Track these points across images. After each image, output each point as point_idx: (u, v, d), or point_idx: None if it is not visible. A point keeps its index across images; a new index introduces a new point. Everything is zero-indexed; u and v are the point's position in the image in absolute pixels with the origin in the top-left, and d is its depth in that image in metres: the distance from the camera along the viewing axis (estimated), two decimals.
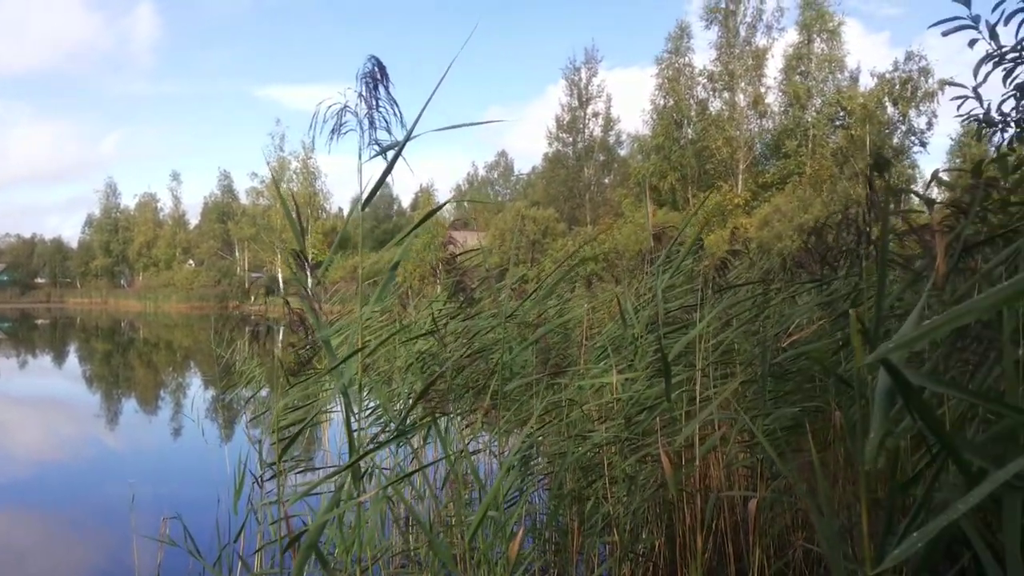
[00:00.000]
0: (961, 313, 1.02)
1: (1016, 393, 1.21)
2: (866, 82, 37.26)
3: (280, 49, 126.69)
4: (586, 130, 48.51)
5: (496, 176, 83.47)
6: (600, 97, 48.10)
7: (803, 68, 37.83)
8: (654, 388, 3.67)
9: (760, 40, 39.05)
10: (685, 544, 3.78)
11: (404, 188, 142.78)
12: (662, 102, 41.21)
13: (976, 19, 2.74)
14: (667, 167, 40.11)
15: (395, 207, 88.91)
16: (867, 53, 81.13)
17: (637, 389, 3.61)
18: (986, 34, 2.73)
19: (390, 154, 2.12)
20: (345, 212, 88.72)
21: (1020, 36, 2.67)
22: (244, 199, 72.46)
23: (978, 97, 2.94)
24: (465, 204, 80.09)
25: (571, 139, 48.92)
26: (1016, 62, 2.71)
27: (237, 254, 71.43)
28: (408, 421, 4.10)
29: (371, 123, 2.14)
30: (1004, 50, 2.72)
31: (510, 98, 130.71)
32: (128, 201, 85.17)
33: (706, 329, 3.70)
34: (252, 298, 62.89)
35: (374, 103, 2.13)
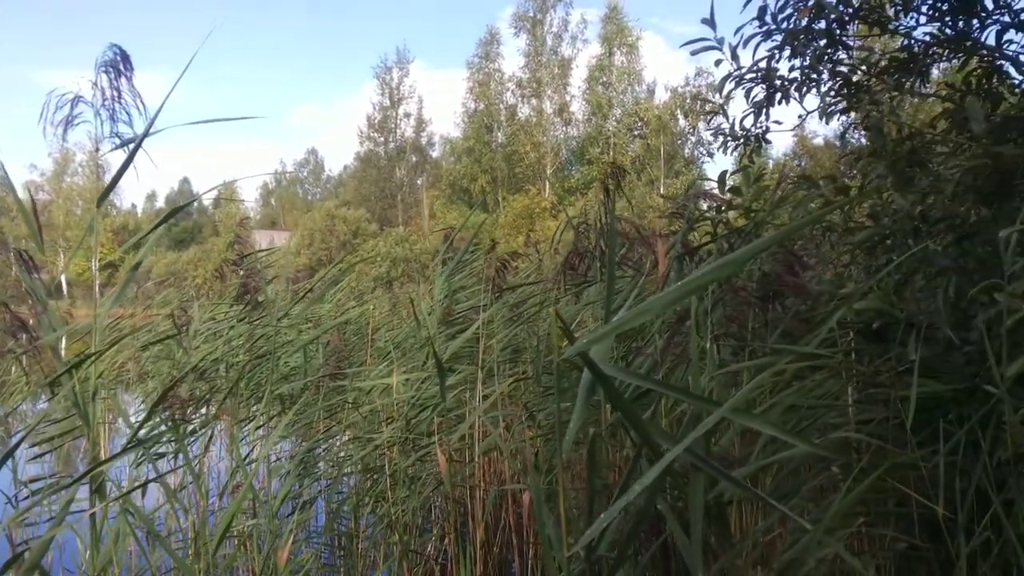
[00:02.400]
0: (639, 312, 1.10)
1: (699, 379, 1.34)
2: (661, 95, 39.83)
3: (62, 29, 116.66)
4: (398, 130, 48.34)
5: (306, 174, 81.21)
6: (412, 98, 48.10)
7: (605, 79, 39.68)
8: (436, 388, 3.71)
9: (566, 50, 40.62)
10: (475, 540, 3.85)
11: (205, 185, 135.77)
12: (473, 105, 41.83)
13: (720, 41, 2.99)
14: (478, 170, 40.74)
15: (195, 204, 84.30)
16: (669, 68, 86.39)
17: (421, 389, 3.64)
18: (728, 55, 2.98)
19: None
20: (140, 209, 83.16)
21: (756, 58, 2.94)
22: (22, 193, 65.83)
23: (724, 113, 3.20)
24: (272, 202, 77.33)
25: (383, 139, 48.55)
26: (753, 82, 2.98)
27: (11, 253, 64.85)
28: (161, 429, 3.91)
29: (112, 115, 2.02)
30: (743, 71, 2.98)
31: (323, 94, 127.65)
32: None
33: (487, 328, 3.79)
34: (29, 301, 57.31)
35: (115, 94, 2.01)
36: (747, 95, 3.03)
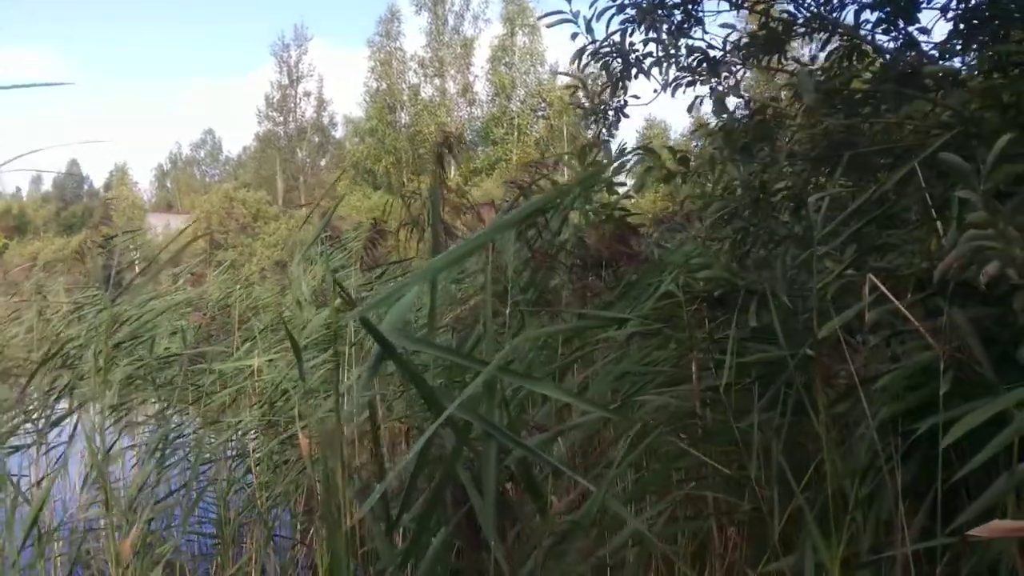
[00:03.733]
0: (416, 277, 1.08)
1: (493, 346, 1.32)
2: (564, 76, 40.10)
3: None
4: (297, 110, 47.20)
5: (203, 155, 78.49)
6: (311, 76, 47.02)
7: (507, 59, 39.67)
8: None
9: (468, 30, 40.39)
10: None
11: (96, 168, 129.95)
12: (375, 85, 41.19)
13: (576, 14, 2.98)
14: (381, 150, 40.21)
15: (86, 187, 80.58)
16: (572, 49, 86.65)
17: (286, 372, 3.54)
18: (583, 28, 2.98)
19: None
20: (24, 192, 78.76)
21: (610, 31, 2.95)
22: None
23: (584, 87, 3.21)
24: (168, 184, 74.46)
25: (282, 119, 47.33)
26: (608, 56, 2.99)
27: None
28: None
29: None
30: (598, 44, 2.99)
31: (220, 70, 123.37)
32: None
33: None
34: None
35: None
36: (604, 69, 3.03)
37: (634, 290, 2.05)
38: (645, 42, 3.00)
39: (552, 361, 1.88)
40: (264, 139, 49.02)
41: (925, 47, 3.16)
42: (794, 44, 4.02)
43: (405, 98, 40.98)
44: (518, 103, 39.41)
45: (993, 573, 1.56)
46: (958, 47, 3.08)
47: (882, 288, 1.57)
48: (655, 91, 3.04)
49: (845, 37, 3.40)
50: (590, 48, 2.99)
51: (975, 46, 3.02)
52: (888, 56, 3.16)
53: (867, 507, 1.70)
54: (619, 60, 3.01)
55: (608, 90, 3.08)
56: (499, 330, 1.77)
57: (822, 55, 3.46)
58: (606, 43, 2.94)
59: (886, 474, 1.61)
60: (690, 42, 3.17)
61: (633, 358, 1.95)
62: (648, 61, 3.04)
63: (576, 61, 2.99)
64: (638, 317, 1.90)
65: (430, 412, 1.31)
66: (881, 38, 3.33)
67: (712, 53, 3.22)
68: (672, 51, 3.11)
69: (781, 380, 1.91)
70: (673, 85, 2.87)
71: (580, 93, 3.22)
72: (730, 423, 1.79)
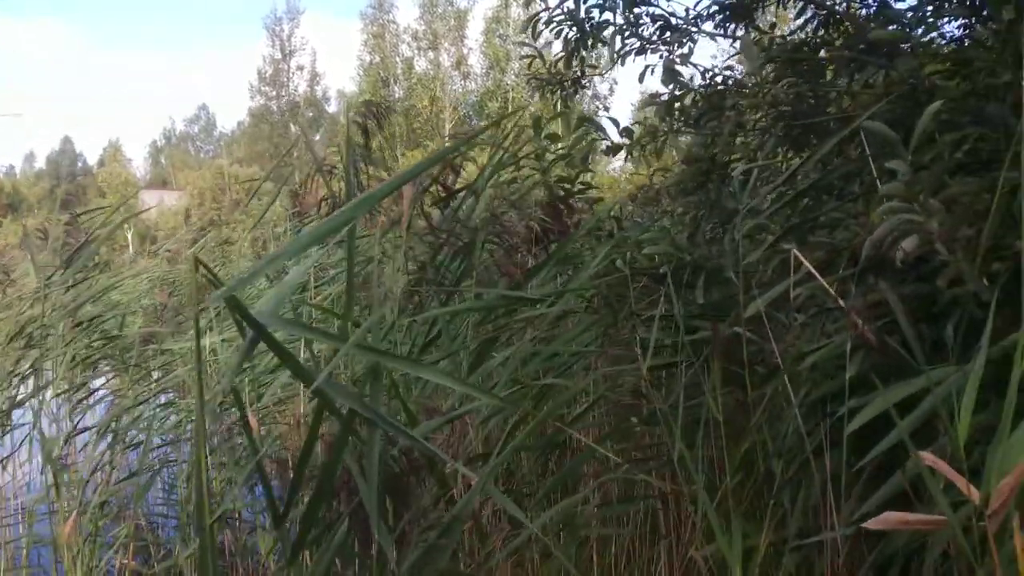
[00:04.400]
0: (271, 258, 1.00)
1: (381, 331, 1.26)
2: (558, 49, 39.68)
3: None
4: (290, 84, 46.80)
5: (197, 131, 78.04)
6: (304, 50, 46.60)
7: (501, 32, 39.23)
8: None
9: (461, 1, 39.91)
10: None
11: (90, 145, 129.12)
12: (368, 58, 40.79)
13: None
14: (373, 126, 39.86)
15: (80, 164, 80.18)
16: None
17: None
18: None
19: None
20: (18, 170, 78.23)
21: None
22: None
23: (542, 57, 3.11)
24: (163, 160, 73.96)
25: (275, 93, 46.93)
26: (562, 23, 2.89)
27: None
28: None
29: None
30: (551, 10, 2.89)
31: (216, 44, 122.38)
32: None
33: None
34: None
35: None
36: (557, 37, 2.94)
37: (570, 267, 1.98)
38: (602, 9, 2.90)
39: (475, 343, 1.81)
40: (257, 114, 48.66)
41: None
42: (768, 13, 3.91)
43: (399, 72, 40.59)
44: (512, 76, 39.03)
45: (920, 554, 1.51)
46: (928, 16, 2.99)
47: (806, 263, 1.50)
48: (612, 60, 2.94)
49: (818, 6, 3.30)
50: (544, 16, 2.89)
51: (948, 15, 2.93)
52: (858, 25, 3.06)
53: (795, 490, 1.65)
54: (574, 28, 2.91)
55: (563, 60, 2.98)
56: (412, 313, 1.70)
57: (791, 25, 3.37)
58: (559, 10, 2.84)
59: (811, 457, 1.55)
60: (652, 10, 3.07)
61: (566, 337, 1.88)
62: (610, 30, 2.95)
63: (528, 29, 2.89)
64: (572, 292, 1.82)
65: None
66: (856, 5, 3.24)
67: (675, 22, 3.13)
68: (632, 19, 3.02)
69: (701, 360, 1.85)
70: (623, 54, 2.77)
71: (537, 63, 3.12)
72: (655, 406, 1.72)
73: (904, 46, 2.44)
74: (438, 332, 1.70)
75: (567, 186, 2.99)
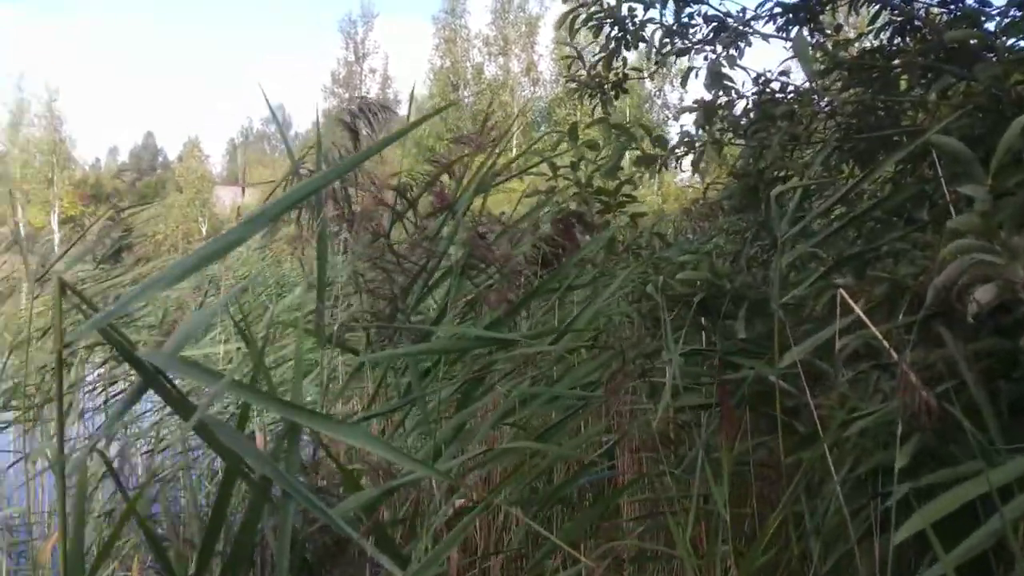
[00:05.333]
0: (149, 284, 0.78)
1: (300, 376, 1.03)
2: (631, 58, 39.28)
3: None
4: (362, 86, 47.37)
5: (273, 130, 79.69)
6: (377, 53, 47.17)
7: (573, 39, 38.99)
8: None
9: (533, 7, 39.82)
10: None
11: (170, 140, 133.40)
12: (439, 63, 41.01)
13: None
14: (444, 129, 40.03)
15: (160, 159, 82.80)
16: None
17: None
18: None
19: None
20: (103, 163, 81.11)
21: None
22: None
23: (580, 58, 2.86)
24: (239, 159, 75.65)
25: (347, 95, 47.56)
26: (601, 20, 2.63)
27: None
28: None
29: None
30: (587, 5, 2.63)
31: (293, 46, 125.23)
32: None
33: None
34: None
35: None
36: (595, 35, 2.68)
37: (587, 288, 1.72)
38: (646, 6, 2.63)
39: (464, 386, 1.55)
40: (329, 115, 49.48)
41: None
42: (836, 17, 3.58)
43: (469, 76, 40.71)
44: None
45: None
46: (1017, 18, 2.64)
47: (855, 307, 1.22)
48: (656, 62, 2.67)
49: (895, 11, 2.98)
50: (583, 14, 2.64)
51: None
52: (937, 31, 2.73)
53: None
54: (615, 27, 2.65)
55: (602, 62, 2.73)
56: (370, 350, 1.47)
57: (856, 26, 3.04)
58: (597, 6, 2.58)
59: (856, 547, 1.26)
60: (705, 9, 2.79)
61: (573, 375, 1.62)
62: (651, 29, 2.68)
63: (564, 26, 2.64)
64: (576, 330, 1.56)
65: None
66: (937, 11, 2.91)
67: (730, 23, 2.84)
68: (682, 19, 2.74)
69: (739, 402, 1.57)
70: (664, 54, 2.49)
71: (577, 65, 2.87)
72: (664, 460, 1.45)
73: (987, 53, 2.12)
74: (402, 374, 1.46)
75: (604, 198, 2.74)
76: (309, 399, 2.66)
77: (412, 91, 3.03)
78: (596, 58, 2.76)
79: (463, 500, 1.34)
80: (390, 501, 1.25)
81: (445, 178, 1.92)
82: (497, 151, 2.01)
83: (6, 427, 4.05)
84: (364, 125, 1.83)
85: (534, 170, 2.80)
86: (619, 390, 1.61)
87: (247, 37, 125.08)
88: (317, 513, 0.94)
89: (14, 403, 3.86)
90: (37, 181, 56.48)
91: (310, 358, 3.07)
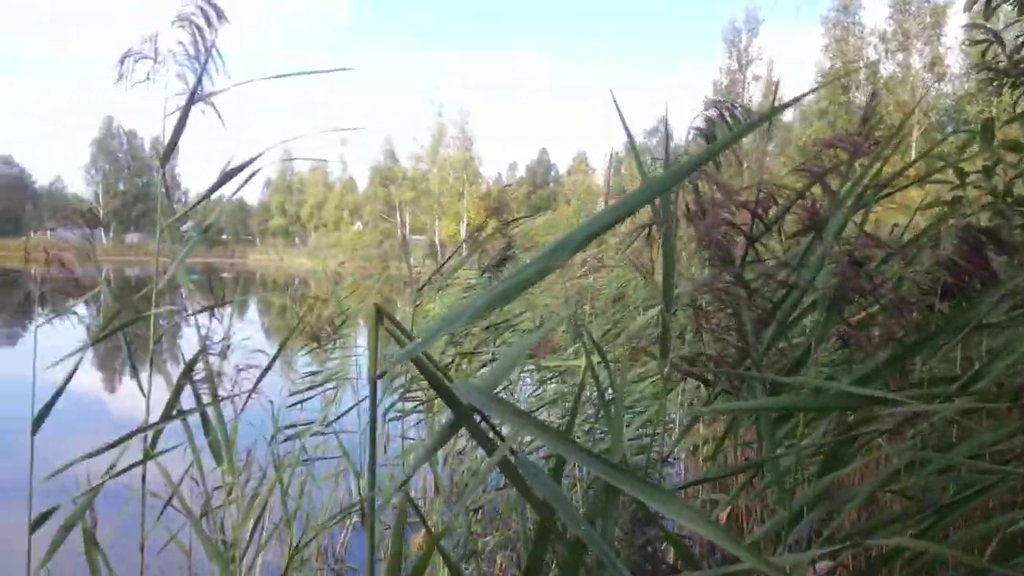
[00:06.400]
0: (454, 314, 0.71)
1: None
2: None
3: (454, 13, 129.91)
4: (745, 94, 46.37)
5: (655, 143, 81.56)
6: (760, 59, 45.86)
7: (990, 25, 34.25)
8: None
9: None
10: None
11: (561, 155, 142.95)
12: (828, 64, 38.67)
13: None
14: (832, 133, 37.69)
15: (552, 173, 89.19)
16: None
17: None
18: None
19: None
20: (504, 178, 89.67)
21: None
22: (405, 163, 74.92)
23: (999, 41, 2.37)
24: (623, 171, 78.58)
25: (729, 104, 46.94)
26: None
27: (399, 217, 73.89)
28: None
29: (200, 70, 1.96)
30: None
31: (674, 59, 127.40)
32: (301, 166, 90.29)
33: None
34: (412, 259, 64.45)
35: (199, 48, 1.94)
36: (1022, 12, 2.19)
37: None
38: None
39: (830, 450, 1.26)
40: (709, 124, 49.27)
41: None
42: None
43: (862, 77, 37.81)
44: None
45: None
46: None
47: None
48: None
49: None
50: None
51: None
52: None
53: None
54: None
55: None
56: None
57: None
58: None
59: None
60: None
61: (974, 442, 1.26)
62: None
63: (979, 4, 2.19)
64: (975, 383, 1.20)
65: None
66: None
67: None
68: None
69: None
70: None
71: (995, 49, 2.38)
72: None
73: None
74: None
75: None
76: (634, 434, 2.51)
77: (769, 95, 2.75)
78: (1021, 39, 2.26)
79: None
80: None
81: (818, 190, 1.66)
82: (885, 154, 1.69)
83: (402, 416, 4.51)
84: (724, 131, 1.62)
85: (936, 177, 2.38)
86: None
87: (636, 57, 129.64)
88: None
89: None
90: (450, 195, 64.27)
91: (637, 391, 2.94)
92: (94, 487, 1.76)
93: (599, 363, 2.02)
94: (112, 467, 1.81)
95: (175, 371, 2.01)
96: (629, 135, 1.73)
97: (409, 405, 4.27)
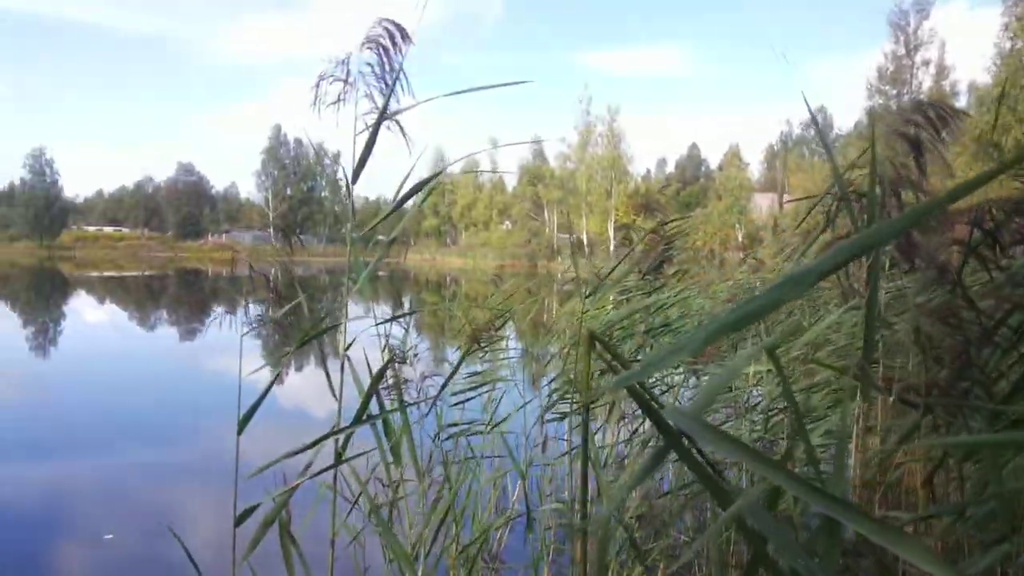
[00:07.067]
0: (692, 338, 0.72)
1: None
2: None
3: (604, 14, 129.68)
4: (914, 81, 43.52)
5: (812, 135, 78.09)
6: (932, 43, 42.87)
7: None
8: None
9: None
10: None
11: (712, 148, 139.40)
12: (1008, 45, 35.61)
13: None
14: (1012, 119, 34.67)
15: (703, 168, 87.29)
16: None
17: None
18: None
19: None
20: (653, 174, 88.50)
21: None
22: (553, 163, 75.44)
23: None
24: (776, 165, 75.70)
25: (895, 92, 44.19)
26: None
27: (546, 215, 74.48)
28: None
29: (385, 90, 2.06)
30: None
31: (841, 47, 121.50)
32: (453, 167, 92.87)
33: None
34: (559, 258, 65.01)
35: (384, 69, 2.04)
36: None
37: None
38: None
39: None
40: (873, 114, 46.55)
41: None
42: None
43: None
44: None
45: None
46: None
47: None
48: None
49: None
50: None
51: None
52: None
53: None
54: None
55: None
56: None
57: None
58: None
59: None
60: None
61: None
62: None
63: None
64: None
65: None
66: None
67: None
68: None
69: None
70: None
71: None
72: None
73: None
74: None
75: None
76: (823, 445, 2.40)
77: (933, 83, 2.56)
78: None
79: None
80: None
81: None
82: None
83: (562, 418, 4.56)
84: (927, 132, 1.54)
85: None
86: None
87: (794, 42, 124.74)
88: None
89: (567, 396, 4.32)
90: (598, 193, 64.09)
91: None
92: (292, 486, 1.88)
93: (777, 381, 1.94)
94: (308, 467, 1.93)
95: (335, 367, 2.12)
96: (814, 118, 1.66)
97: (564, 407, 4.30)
